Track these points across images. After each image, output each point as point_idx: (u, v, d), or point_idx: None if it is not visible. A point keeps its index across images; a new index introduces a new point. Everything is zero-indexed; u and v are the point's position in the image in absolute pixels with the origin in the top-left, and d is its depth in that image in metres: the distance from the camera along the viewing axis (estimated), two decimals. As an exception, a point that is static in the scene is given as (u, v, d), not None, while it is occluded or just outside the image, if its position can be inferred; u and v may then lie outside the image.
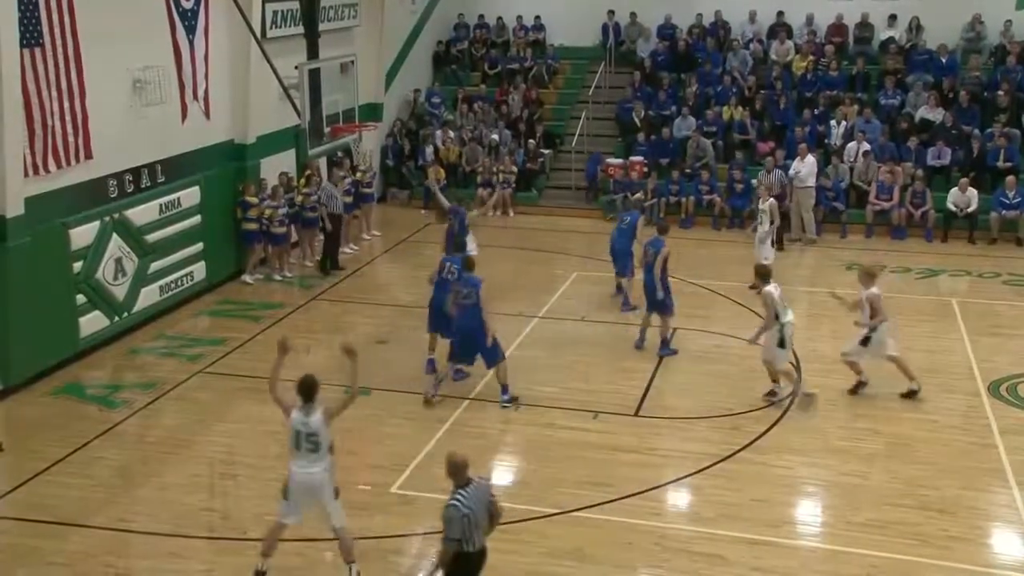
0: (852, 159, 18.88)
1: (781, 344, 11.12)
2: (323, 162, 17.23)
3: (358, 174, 17.78)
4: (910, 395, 11.32)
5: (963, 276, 16.14)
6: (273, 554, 7.97)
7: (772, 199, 14.92)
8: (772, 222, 14.66)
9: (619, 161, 20.09)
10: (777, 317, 11.05)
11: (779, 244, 16.57)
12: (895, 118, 19.67)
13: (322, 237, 16.39)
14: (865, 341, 11.26)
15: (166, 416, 11.24)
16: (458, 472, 6.65)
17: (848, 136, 19.28)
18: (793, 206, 17.79)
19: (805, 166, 17.76)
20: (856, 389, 11.45)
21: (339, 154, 17.44)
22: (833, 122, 19.60)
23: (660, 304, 12.59)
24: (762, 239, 14.82)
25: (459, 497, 6.55)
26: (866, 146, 18.78)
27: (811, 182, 17.80)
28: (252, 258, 15.74)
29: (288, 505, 7.84)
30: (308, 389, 7.70)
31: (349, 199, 17.15)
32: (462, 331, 11.07)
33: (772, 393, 11.36)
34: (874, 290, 11.21)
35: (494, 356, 11.08)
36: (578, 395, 11.47)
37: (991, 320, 14.11)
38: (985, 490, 9.48)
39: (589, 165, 20.24)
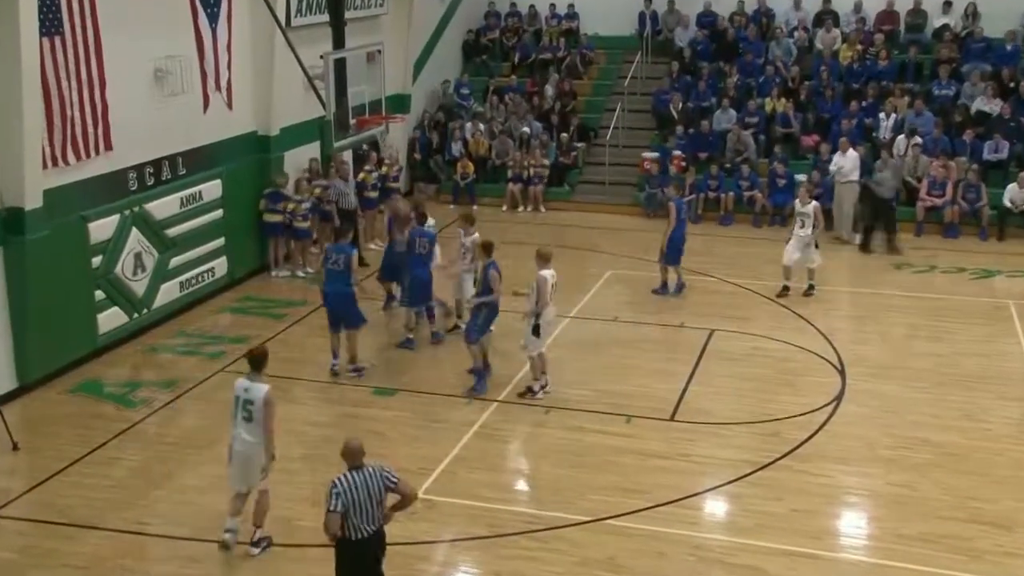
0: (901, 153, 18.67)
1: (535, 331, 11.16)
2: (349, 155, 17.31)
3: (384, 168, 17.84)
4: (528, 392, 11.33)
5: (1020, 277, 15.89)
6: (238, 515, 8.53)
7: (815, 201, 14.66)
8: (815, 226, 14.36)
9: (655, 155, 20.01)
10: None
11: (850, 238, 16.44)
12: (949, 110, 19.42)
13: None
14: (536, 330, 11.13)
15: (186, 416, 11.32)
16: (349, 456, 7.06)
17: (898, 129, 19.07)
18: (835, 203, 17.60)
19: (848, 160, 17.58)
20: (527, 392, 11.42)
21: (365, 147, 17.49)
22: (882, 114, 19.39)
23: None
24: (807, 243, 14.49)
25: (341, 478, 6.96)
26: (917, 139, 18.57)
27: (854, 177, 17.62)
28: (276, 253, 15.88)
29: (231, 471, 8.52)
30: (257, 360, 8.42)
31: (375, 194, 17.21)
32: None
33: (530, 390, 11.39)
34: (543, 273, 11.09)
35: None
36: (611, 398, 11.43)
37: (1049, 324, 13.91)
38: (1041, 503, 9.35)
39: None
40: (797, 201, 14.85)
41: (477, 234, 12.79)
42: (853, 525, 9.27)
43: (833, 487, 9.67)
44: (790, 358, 12.67)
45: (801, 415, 11.05)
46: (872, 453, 10.29)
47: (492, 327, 11.70)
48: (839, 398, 11.45)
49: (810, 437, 10.57)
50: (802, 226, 14.51)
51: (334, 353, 12.14)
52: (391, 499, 7.16)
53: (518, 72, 22.67)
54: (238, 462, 8.45)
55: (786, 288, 14.71)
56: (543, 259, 11.29)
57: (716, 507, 9.49)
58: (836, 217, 17.67)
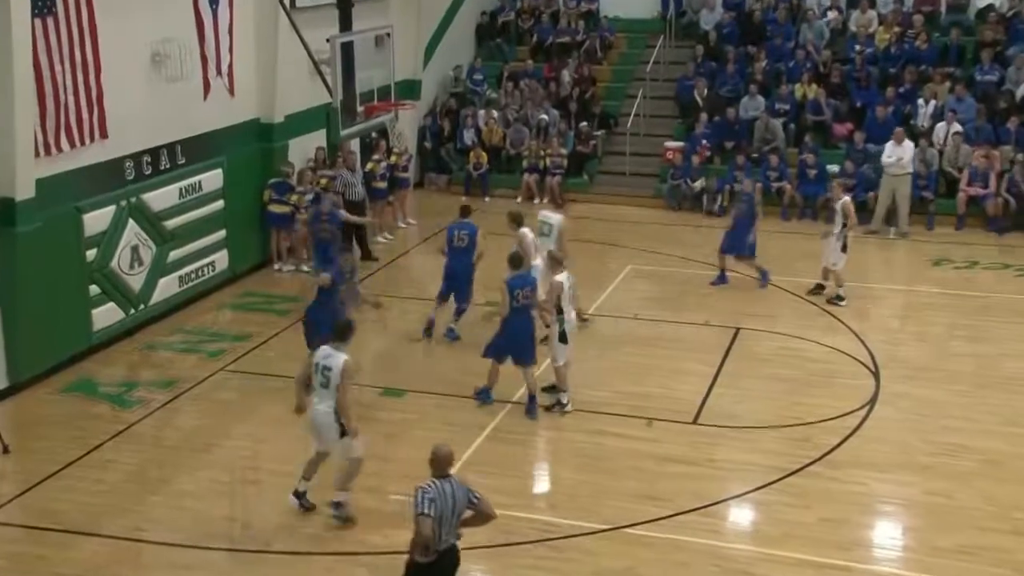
0: (941, 142, 18.56)
1: (562, 339, 11.08)
2: (356, 144, 17.32)
3: (393, 157, 17.85)
4: (557, 405, 11.17)
5: (1067, 273, 15.79)
6: (312, 478, 9.11)
7: (846, 197, 14.53)
8: (845, 224, 14.19)
9: (679, 144, 19.95)
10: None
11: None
12: (993, 96, 19.27)
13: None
14: (562, 336, 11.10)
15: (184, 417, 11.35)
16: (437, 464, 7.00)
17: (937, 116, 18.94)
18: (883, 195, 17.46)
19: (906, 151, 17.49)
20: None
21: (373, 135, 17.50)
22: (920, 101, 19.27)
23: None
24: (833, 241, 14.30)
25: (430, 483, 6.87)
26: (957, 127, 18.44)
27: (911, 168, 17.52)
28: (279, 246, 15.92)
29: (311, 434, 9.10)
30: (342, 330, 9.01)
31: (383, 184, 17.23)
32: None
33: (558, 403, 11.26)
34: (558, 279, 11.05)
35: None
36: (630, 400, 11.41)
37: (1098, 323, 13.79)
38: (1089, 514, 9.27)
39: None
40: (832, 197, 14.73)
41: (527, 230, 12.91)
42: (886, 536, 9.21)
43: (865, 495, 9.61)
44: (820, 359, 12.61)
45: (832, 419, 11.00)
46: (907, 459, 10.23)
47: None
48: (873, 401, 11.38)
49: (841, 442, 10.53)
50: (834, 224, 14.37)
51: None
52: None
53: (534, 57, 22.62)
54: (313, 427, 9.02)
55: (820, 287, 14.62)
56: (556, 263, 11.32)
57: (741, 515, 9.46)
58: (878, 211, 17.54)
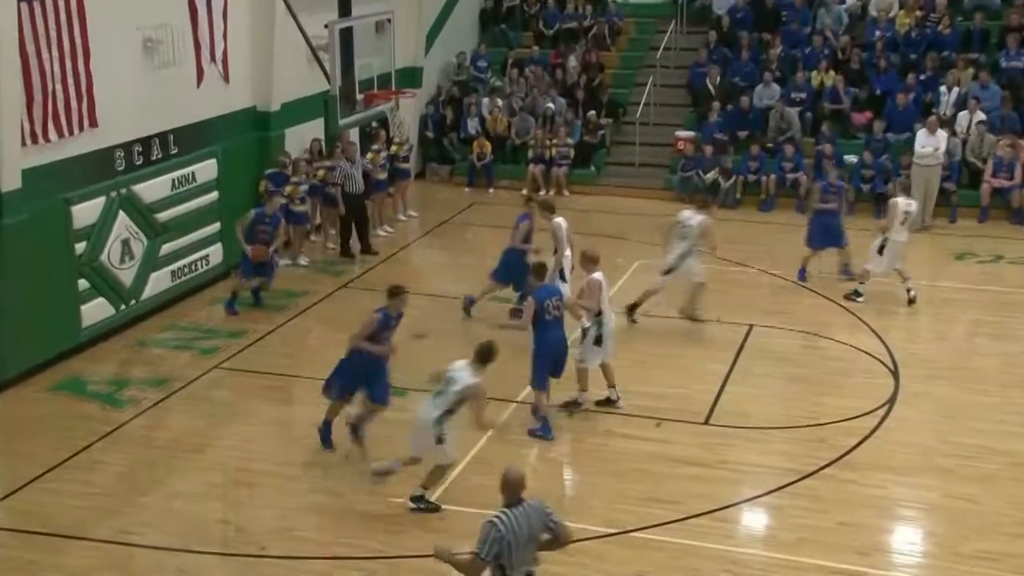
0: (964, 131, 18.49)
1: (598, 342, 11.00)
2: (355, 133, 17.31)
3: (394, 147, 17.83)
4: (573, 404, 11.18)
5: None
6: (401, 461, 9.32)
7: (900, 198, 14.39)
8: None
9: (690, 134, 19.90)
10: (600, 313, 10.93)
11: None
12: (1018, 83, 19.20)
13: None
14: (599, 340, 11.04)
15: (177, 417, 11.34)
16: (509, 490, 6.62)
17: (960, 104, 18.88)
18: (918, 188, 17.37)
19: (941, 140, 17.46)
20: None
21: (373, 124, 17.49)
22: (943, 88, 19.20)
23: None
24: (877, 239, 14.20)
25: (501, 516, 6.50)
26: (981, 115, 18.37)
27: (943, 159, 17.48)
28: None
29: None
30: (484, 353, 9.05)
31: (383, 175, 17.20)
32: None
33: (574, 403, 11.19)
34: (595, 277, 10.99)
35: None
36: (639, 400, 11.38)
37: None
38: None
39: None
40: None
41: (561, 220, 12.95)
42: (906, 541, 9.19)
43: (884, 499, 9.58)
44: (838, 357, 12.58)
45: (849, 419, 10.98)
46: (928, 462, 10.20)
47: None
48: (892, 401, 11.35)
49: (859, 444, 10.51)
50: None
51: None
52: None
53: (541, 43, 22.59)
54: (413, 429, 9.24)
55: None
56: (591, 262, 11.12)
57: (754, 519, 9.44)
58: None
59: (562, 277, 12.67)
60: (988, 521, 9.16)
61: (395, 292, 10.12)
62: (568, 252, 12.78)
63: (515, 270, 13.12)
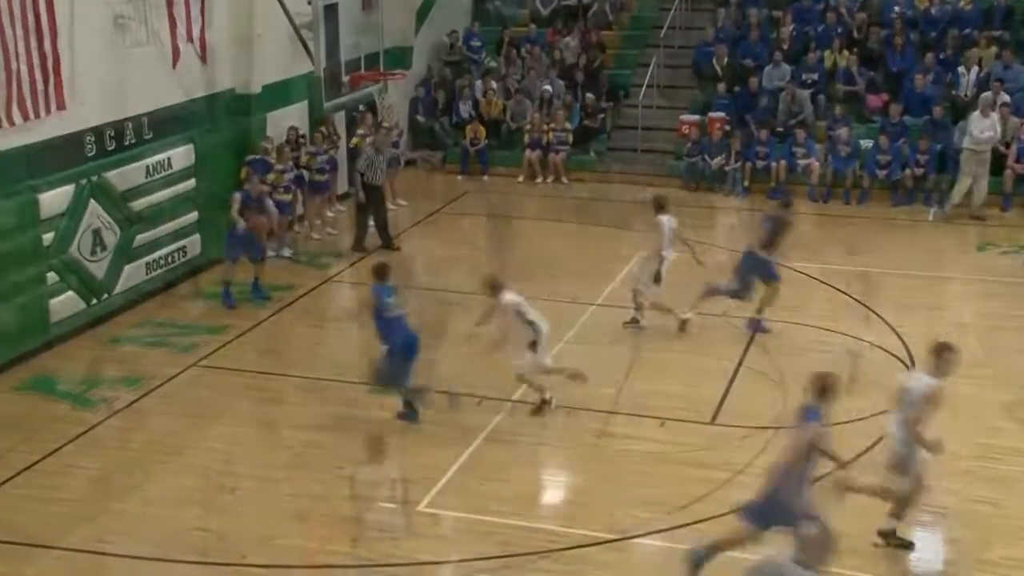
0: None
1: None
2: (340, 117, 17.30)
3: (382, 132, 17.80)
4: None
5: None
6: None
7: None
8: None
9: (695, 117, 19.90)
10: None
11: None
12: (1044, 62, 19.27)
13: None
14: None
15: (153, 418, 11.32)
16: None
17: (982, 85, 18.88)
18: (966, 176, 17.39)
19: (996, 122, 17.51)
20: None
21: (360, 108, 17.47)
22: (962, 68, 19.22)
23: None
24: None
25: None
26: (1005, 97, 18.39)
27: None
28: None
29: None
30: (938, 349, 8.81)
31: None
32: None
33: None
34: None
35: None
36: (642, 398, 11.41)
37: None
38: None
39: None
40: None
41: (666, 218, 12.92)
42: (926, 546, 9.18)
43: (902, 502, 9.58)
44: (852, 353, 12.57)
45: (863, 419, 10.96)
46: (948, 464, 10.10)
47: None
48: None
49: (874, 444, 10.48)
50: None
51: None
52: None
53: (538, 21, 22.59)
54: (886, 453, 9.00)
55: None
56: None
57: (765, 525, 9.43)
58: (958, 191, 17.51)
59: (657, 279, 12.78)
60: (1012, 526, 9.19)
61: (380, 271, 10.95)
62: (669, 253, 12.85)
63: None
